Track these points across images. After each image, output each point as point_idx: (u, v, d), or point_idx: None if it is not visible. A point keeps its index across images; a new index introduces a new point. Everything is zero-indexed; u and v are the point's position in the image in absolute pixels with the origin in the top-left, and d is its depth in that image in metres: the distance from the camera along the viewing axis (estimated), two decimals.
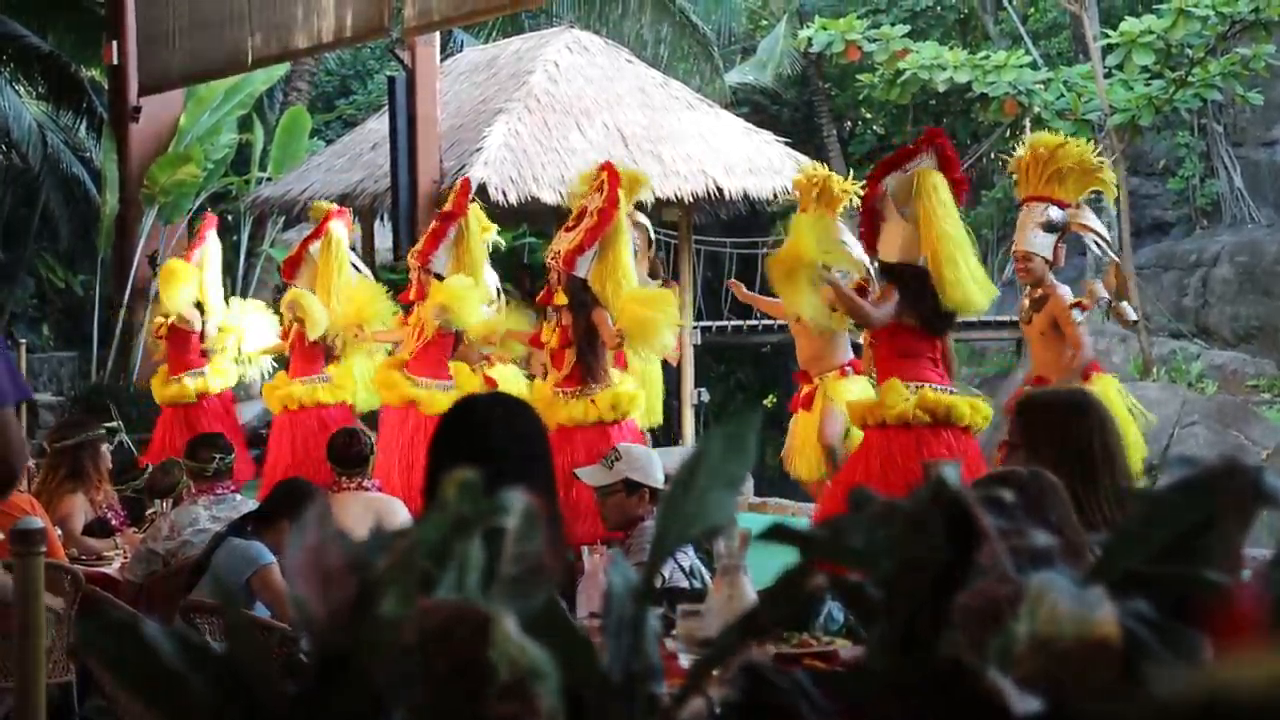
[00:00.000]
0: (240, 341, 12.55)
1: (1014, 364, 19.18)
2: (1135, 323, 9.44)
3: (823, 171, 9.79)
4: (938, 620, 1.30)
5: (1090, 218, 8.70)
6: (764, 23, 26.37)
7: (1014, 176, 8.58)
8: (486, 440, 2.94)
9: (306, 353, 11.56)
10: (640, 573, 1.48)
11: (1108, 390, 7.95)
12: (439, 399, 10.02)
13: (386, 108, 15.13)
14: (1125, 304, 8.88)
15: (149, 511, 7.53)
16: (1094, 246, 8.85)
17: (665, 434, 13.34)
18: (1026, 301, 8.37)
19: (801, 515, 10.93)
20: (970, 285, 7.78)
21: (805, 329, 9.53)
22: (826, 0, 23.96)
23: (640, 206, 13.72)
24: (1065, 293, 8.29)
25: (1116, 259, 9.21)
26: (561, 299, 9.49)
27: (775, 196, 15.31)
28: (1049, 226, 8.29)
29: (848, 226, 9.66)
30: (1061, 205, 8.35)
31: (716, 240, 20.55)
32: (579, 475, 5.65)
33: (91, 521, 7.40)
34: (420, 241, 10.81)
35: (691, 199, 15.09)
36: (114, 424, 12.63)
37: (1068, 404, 3.99)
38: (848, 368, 9.77)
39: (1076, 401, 4.00)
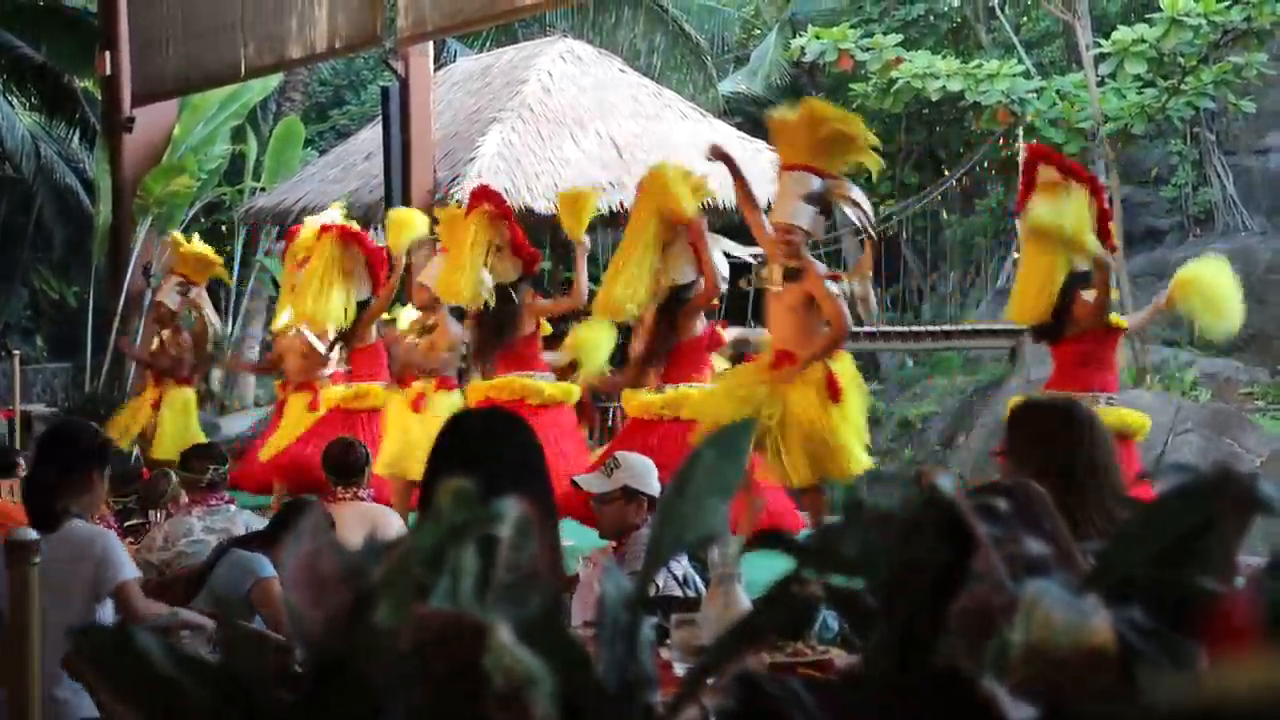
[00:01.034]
0: None
1: (1008, 371, 19.18)
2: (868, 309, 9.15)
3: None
4: (934, 627, 1.30)
5: (854, 191, 8.57)
6: (757, 32, 26.39)
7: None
8: (478, 451, 2.95)
9: (370, 355, 11.20)
10: (634, 581, 1.48)
11: (847, 367, 8.08)
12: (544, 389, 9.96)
13: (380, 117, 15.13)
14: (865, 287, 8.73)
15: (128, 522, 7.51)
16: (856, 220, 8.74)
17: None
18: (778, 271, 8.23)
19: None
20: (1016, 297, 8.02)
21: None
22: (819, 9, 23.98)
23: None
24: (821, 268, 8.28)
25: (874, 236, 9.07)
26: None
27: (769, 205, 15.30)
28: (811, 198, 8.21)
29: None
30: (823, 175, 8.28)
31: None
32: (578, 482, 5.66)
33: None
34: None
35: None
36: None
37: (1053, 413, 4.00)
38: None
39: (1062, 411, 4.01)
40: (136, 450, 12.33)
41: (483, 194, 10.66)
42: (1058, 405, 4.19)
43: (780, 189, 8.39)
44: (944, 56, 20.25)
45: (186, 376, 12.34)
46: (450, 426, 3.10)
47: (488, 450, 2.94)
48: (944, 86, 19.38)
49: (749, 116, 23.34)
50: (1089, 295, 8.00)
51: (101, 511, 7.67)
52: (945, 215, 23.13)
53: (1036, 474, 3.48)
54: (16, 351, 14.23)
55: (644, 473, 5.44)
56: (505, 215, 10.33)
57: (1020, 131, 19.43)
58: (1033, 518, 1.60)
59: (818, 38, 20.21)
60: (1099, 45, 18.82)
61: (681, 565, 4.93)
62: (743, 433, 1.53)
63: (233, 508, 7.02)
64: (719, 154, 9.01)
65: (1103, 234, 7.91)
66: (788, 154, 8.35)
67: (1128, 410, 8.19)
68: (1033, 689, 1.22)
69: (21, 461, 8.59)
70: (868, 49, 19.95)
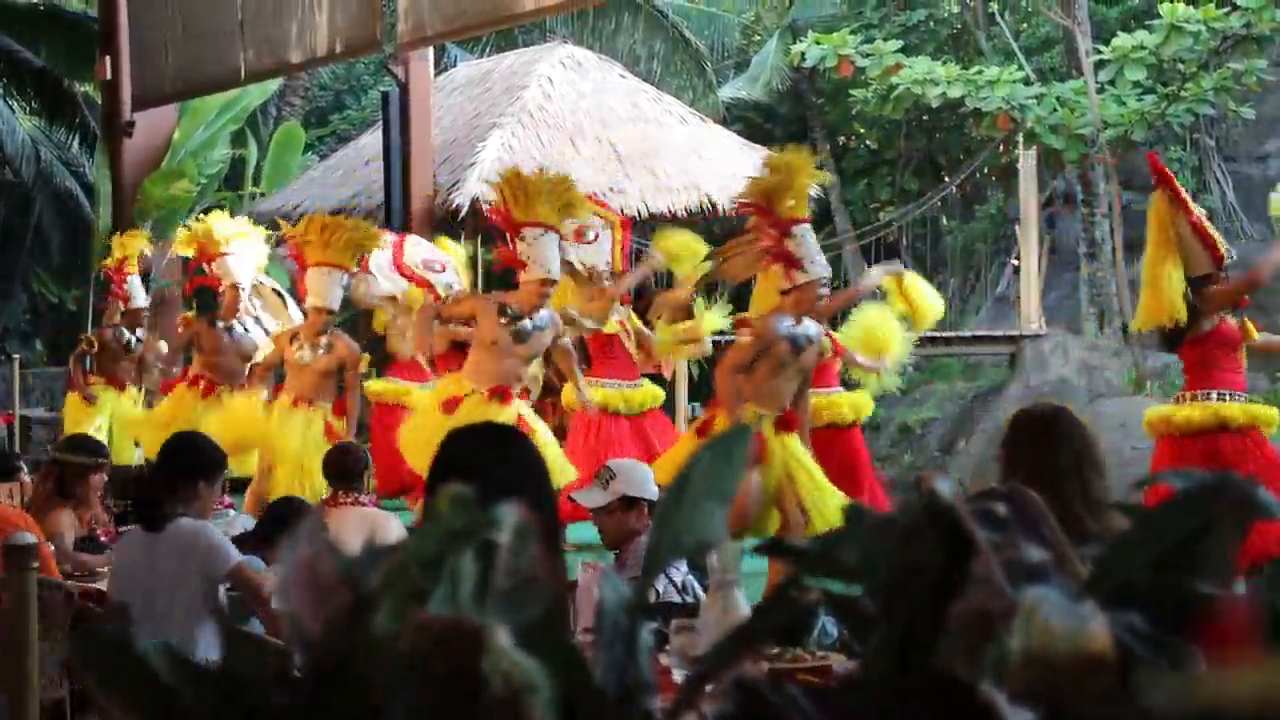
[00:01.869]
0: None
1: (1008, 377, 19.18)
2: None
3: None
4: (933, 632, 1.30)
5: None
6: (757, 38, 26.39)
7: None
8: (470, 466, 2.94)
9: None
10: (634, 586, 1.48)
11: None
12: (630, 396, 10.55)
13: (380, 123, 15.14)
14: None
15: (124, 527, 7.51)
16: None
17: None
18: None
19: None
20: (1150, 303, 8.16)
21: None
22: (819, 15, 23.97)
23: (634, 221, 13.77)
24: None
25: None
26: None
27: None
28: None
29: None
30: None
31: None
32: (575, 499, 5.65)
33: (81, 538, 7.37)
34: None
35: (685, 214, 15.10)
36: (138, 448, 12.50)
37: (1036, 419, 4.08)
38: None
39: (1045, 417, 4.08)
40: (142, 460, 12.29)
41: None
42: (1042, 412, 4.24)
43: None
44: (944, 62, 20.25)
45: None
46: (446, 443, 3.10)
47: (482, 463, 2.94)
48: (944, 92, 19.37)
49: (749, 122, 23.35)
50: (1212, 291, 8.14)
51: (100, 517, 7.68)
52: (945, 221, 23.13)
53: (1025, 480, 3.54)
54: (15, 356, 14.20)
55: (640, 479, 5.42)
56: None
57: (1020, 138, 19.43)
58: (1031, 523, 1.60)
59: (818, 43, 20.19)
60: (1099, 52, 18.82)
61: (680, 572, 4.92)
62: (740, 439, 1.53)
63: (232, 512, 7.04)
64: None
65: (1208, 244, 8.07)
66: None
67: (1257, 406, 8.28)
68: (1032, 694, 1.22)
69: (23, 465, 8.58)
70: (868, 55, 19.94)
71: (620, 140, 15.52)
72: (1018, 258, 19.77)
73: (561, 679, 1.26)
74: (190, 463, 5.68)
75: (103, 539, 7.42)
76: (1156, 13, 18.34)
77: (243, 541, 6.03)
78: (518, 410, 8.93)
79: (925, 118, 22.54)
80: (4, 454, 9.72)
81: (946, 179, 22.92)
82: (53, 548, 6.87)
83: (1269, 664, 1.03)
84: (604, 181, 14.47)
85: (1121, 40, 18.43)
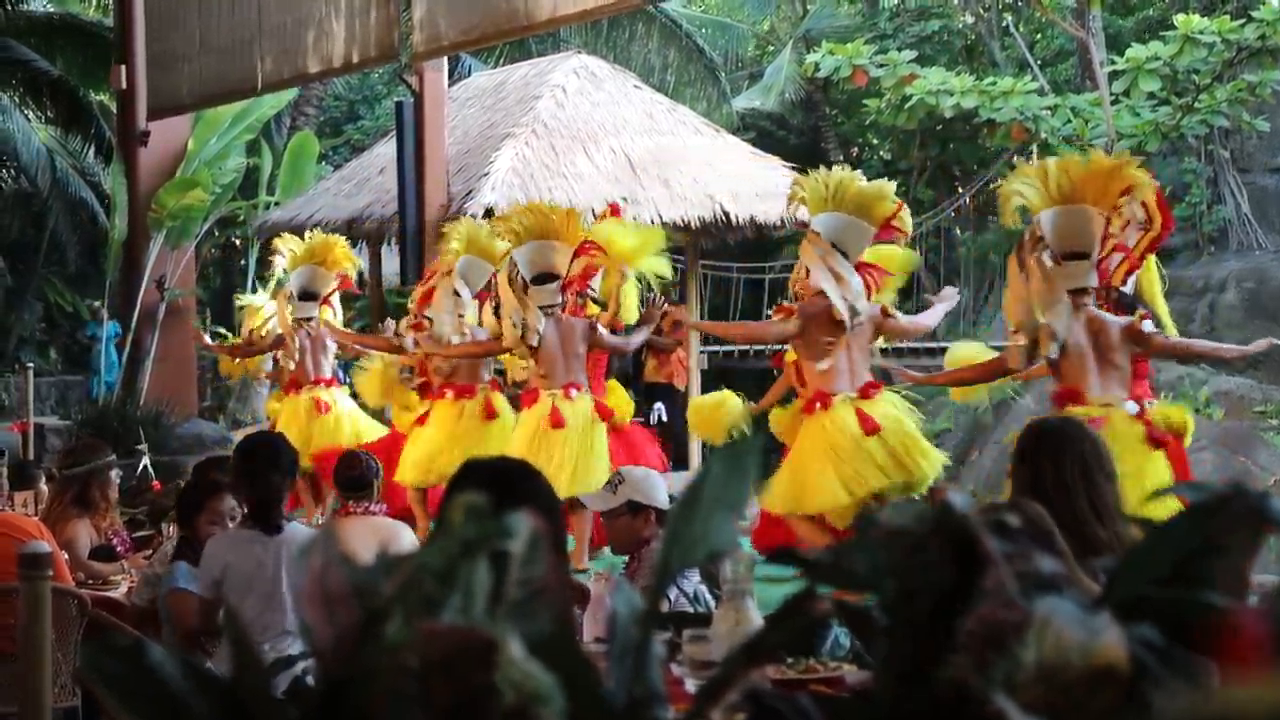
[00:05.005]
0: None
1: (1021, 389, 19.14)
2: None
3: None
4: (945, 643, 1.30)
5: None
6: (770, 48, 26.41)
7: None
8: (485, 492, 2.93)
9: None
10: (644, 597, 1.48)
11: None
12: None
13: (394, 132, 15.16)
14: None
15: (138, 534, 7.52)
16: None
17: (672, 458, 13.33)
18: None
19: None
20: None
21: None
22: (833, 25, 23.99)
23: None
24: None
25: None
26: None
27: (782, 222, 15.33)
28: None
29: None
30: None
31: (723, 265, 20.59)
32: (584, 501, 5.69)
33: (96, 547, 7.38)
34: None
35: (698, 224, 15.10)
36: (141, 447, 12.50)
37: (1047, 430, 4.10)
38: None
39: (1056, 428, 4.09)
40: (146, 461, 12.27)
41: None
42: (1054, 422, 4.25)
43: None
44: (958, 73, 20.24)
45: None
46: (460, 475, 3.09)
47: (495, 494, 2.93)
48: (958, 103, 19.36)
49: (763, 132, 23.36)
50: None
51: (115, 526, 7.69)
52: (959, 232, 23.13)
53: (1037, 490, 3.57)
54: (30, 364, 14.23)
55: (648, 486, 5.43)
56: None
57: (1034, 149, 19.43)
58: (1045, 535, 1.60)
59: (831, 53, 20.20)
60: (1113, 63, 18.80)
61: (691, 582, 4.92)
62: (750, 450, 1.52)
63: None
64: None
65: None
66: None
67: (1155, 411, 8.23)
68: (1043, 708, 1.22)
69: (40, 474, 8.59)
70: (882, 65, 19.94)
71: (634, 150, 15.52)
72: None
73: (573, 690, 1.26)
74: (287, 462, 5.74)
75: (119, 549, 7.43)
76: (1171, 24, 18.33)
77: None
78: None
79: (939, 128, 22.54)
80: (21, 463, 9.73)
81: (960, 189, 22.92)
82: (66, 556, 6.88)
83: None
84: (617, 192, 14.47)
85: (1136, 51, 18.42)
